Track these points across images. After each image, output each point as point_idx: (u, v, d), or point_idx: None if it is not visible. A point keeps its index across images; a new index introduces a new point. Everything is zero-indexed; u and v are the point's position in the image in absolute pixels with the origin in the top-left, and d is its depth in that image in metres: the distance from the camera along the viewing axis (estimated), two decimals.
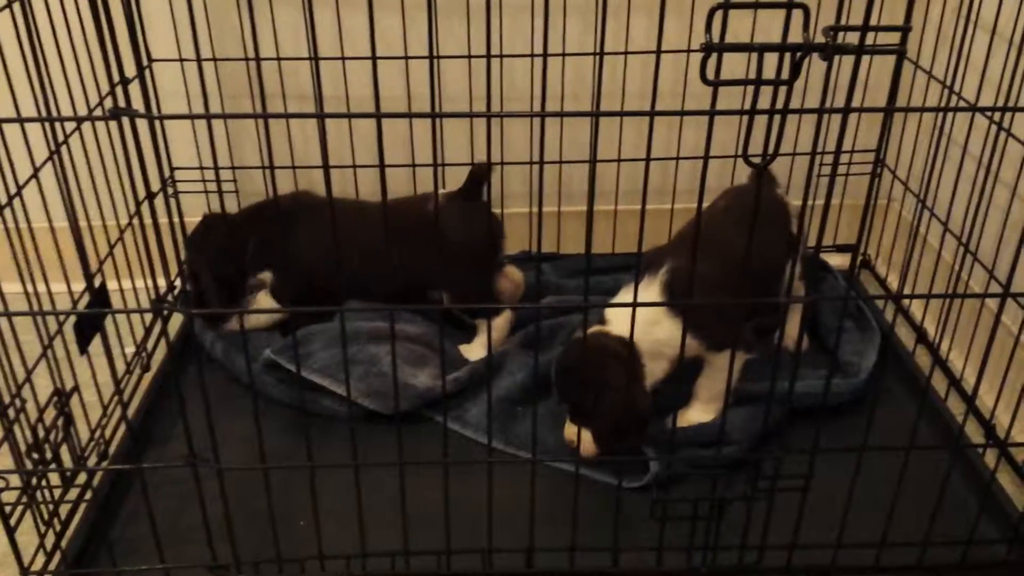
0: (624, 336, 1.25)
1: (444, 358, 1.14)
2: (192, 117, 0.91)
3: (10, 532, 1.10)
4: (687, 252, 1.28)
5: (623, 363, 1.24)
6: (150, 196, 0.95)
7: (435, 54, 1.70)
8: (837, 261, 1.91)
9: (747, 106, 0.86)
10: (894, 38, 0.92)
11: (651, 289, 1.35)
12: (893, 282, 1.88)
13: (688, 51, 1.69)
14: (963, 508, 1.30)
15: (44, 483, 1.17)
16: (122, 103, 0.89)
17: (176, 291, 1.69)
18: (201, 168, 1.78)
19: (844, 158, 1.80)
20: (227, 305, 1.60)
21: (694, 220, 1.52)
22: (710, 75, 0.81)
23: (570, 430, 1.34)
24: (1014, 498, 1.31)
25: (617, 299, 1.38)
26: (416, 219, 1.51)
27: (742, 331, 1.35)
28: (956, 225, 1.51)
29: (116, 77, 0.96)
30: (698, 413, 1.42)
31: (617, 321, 1.33)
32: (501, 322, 1.61)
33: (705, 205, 1.57)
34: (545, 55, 0.90)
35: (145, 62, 1.61)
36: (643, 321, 1.28)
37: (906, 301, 1.80)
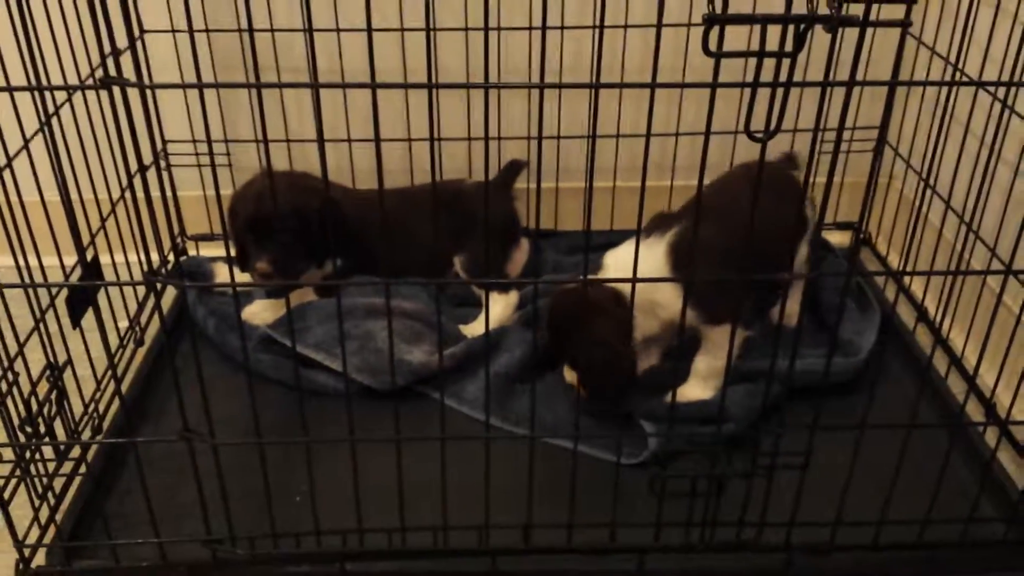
0: (618, 289, 1.30)
1: (440, 333, 1.13)
2: (184, 86, 0.89)
3: (4, 506, 1.10)
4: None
5: (612, 319, 1.27)
6: (142, 169, 0.94)
7: (432, 26, 1.68)
8: (837, 239, 1.90)
9: (749, 81, 0.84)
10: (899, 11, 0.90)
11: (657, 249, 1.34)
12: (894, 261, 1.87)
13: (689, 25, 1.66)
14: (963, 487, 1.29)
15: (38, 457, 1.16)
16: (114, 74, 0.88)
17: (170, 265, 1.68)
18: (194, 141, 1.76)
19: (846, 135, 1.79)
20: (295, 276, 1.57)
21: (711, 188, 1.51)
22: (712, 47, 0.80)
23: (569, 373, 1.40)
24: (1014, 477, 1.31)
25: (620, 250, 1.39)
26: (452, 195, 1.69)
27: (741, 307, 1.35)
28: (958, 203, 1.49)
29: (107, 48, 0.95)
30: (696, 390, 1.42)
31: (616, 268, 1.34)
32: (511, 298, 1.63)
33: (712, 178, 1.56)
34: (544, 28, 0.89)
35: (137, 33, 1.60)
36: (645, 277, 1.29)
37: (907, 280, 1.79)
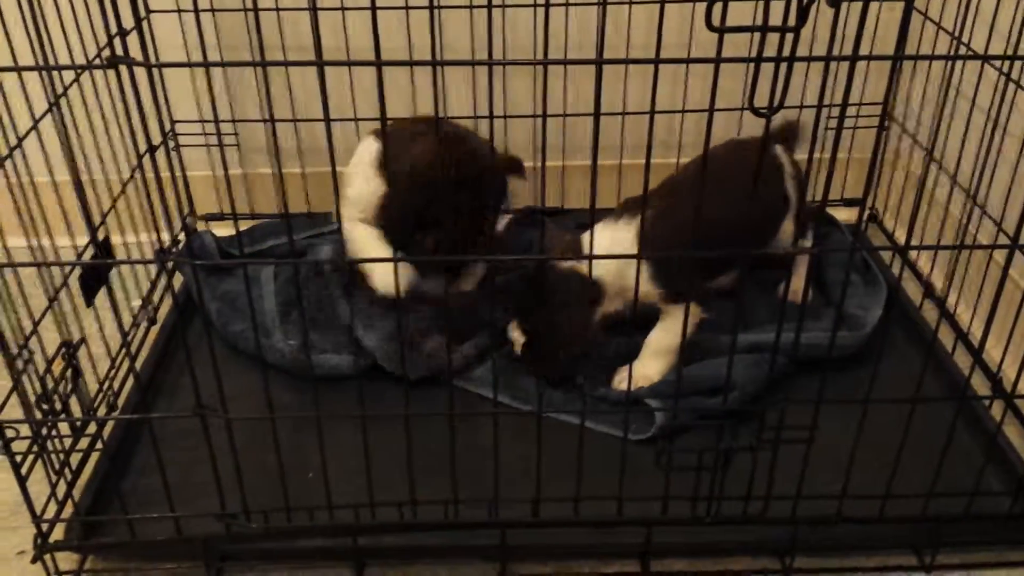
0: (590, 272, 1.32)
1: (449, 321, 1.13)
2: (190, 65, 0.90)
3: (21, 481, 1.11)
4: (668, 198, 1.35)
5: (579, 296, 1.31)
6: (151, 149, 0.95)
7: (436, 4, 1.68)
8: (844, 216, 1.90)
9: (753, 55, 0.84)
10: None
11: (628, 230, 1.36)
12: (901, 237, 1.87)
13: (694, 0, 1.66)
14: (968, 461, 1.30)
15: (54, 433, 1.18)
16: (121, 54, 0.88)
17: (180, 244, 1.69)
18: (202, 121, 1.76)
19: (852, 111, 1.78)
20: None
21: (681, 169, 1.53)
22: (716, 22, 0.80)
23: (516, 333, 1.43)
24: (1020, 451, 1.32)
25: (592, 236, 1.41)
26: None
27: (701, 286, 1.37)
28: (965, 178, 1.49)
29: (114, 28, 0.95)
30: (645, 366, 1.43)
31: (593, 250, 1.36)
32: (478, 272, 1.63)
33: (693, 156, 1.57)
34: (547, 4, 0.89)
35: (143, 13, 1.61)
36: (619, 260, 1.32)
37: (913, 255, 1.79)
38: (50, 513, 1.17)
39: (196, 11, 0.98)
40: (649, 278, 1.32)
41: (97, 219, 1.26)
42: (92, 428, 1.25)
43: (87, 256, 1.16)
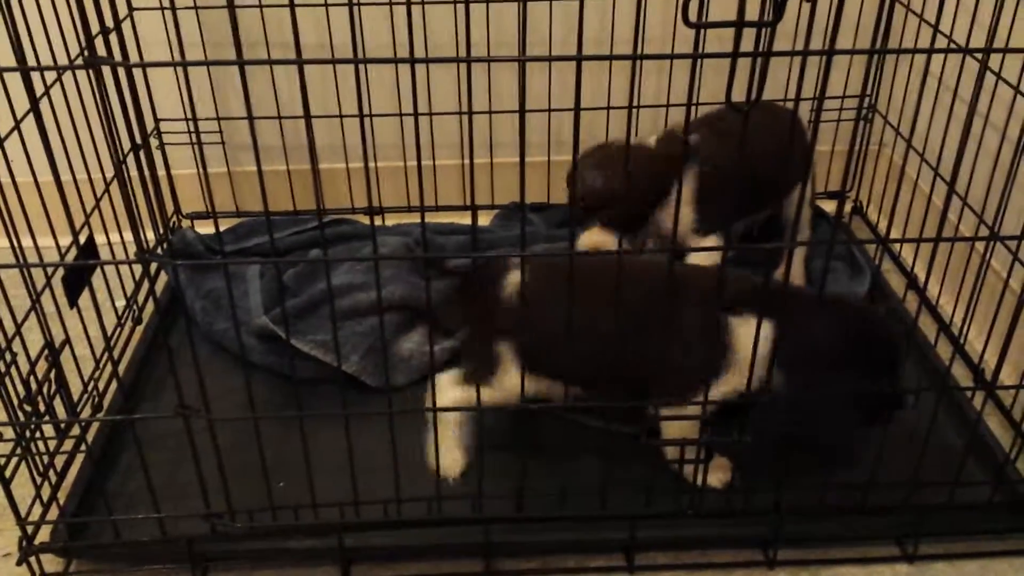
0: None
1: (431, 318, 1.13)
2: (171, 64, 0.90)
3: (6, 483, 1.11)
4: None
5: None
6: (135, 148, 0.95)
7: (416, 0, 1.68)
8: (831, 207, 1.90)
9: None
10: None
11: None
12: (884, 228, 1.88)
13: None
14: (950, 450, 1.31)
15: (38, 435, 1.18)
16: (103, 54, 0.88)
17: (164, 243, 1.68)
18: (186, 120, 1.76)
19: (836, 103, 1.79)
20: None
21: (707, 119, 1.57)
22: (693, 17, 0.81)
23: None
24: (1001, 440, 1.33)
25: None
26: None
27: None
28: (947, 170, 1.50)
29: (96, 27, 0.95)
30: None
31: None
32: None
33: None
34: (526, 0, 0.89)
35: (125, 11, 1.60)
36: None
37: (896, 246, 1.79)
38: (35, 515, 1.17)
39: (173, 8, 0.98)
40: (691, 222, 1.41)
41: (80, 219, 1.26)
42: (76, 430, 1.25)
43: (70, 256, 1.16)
